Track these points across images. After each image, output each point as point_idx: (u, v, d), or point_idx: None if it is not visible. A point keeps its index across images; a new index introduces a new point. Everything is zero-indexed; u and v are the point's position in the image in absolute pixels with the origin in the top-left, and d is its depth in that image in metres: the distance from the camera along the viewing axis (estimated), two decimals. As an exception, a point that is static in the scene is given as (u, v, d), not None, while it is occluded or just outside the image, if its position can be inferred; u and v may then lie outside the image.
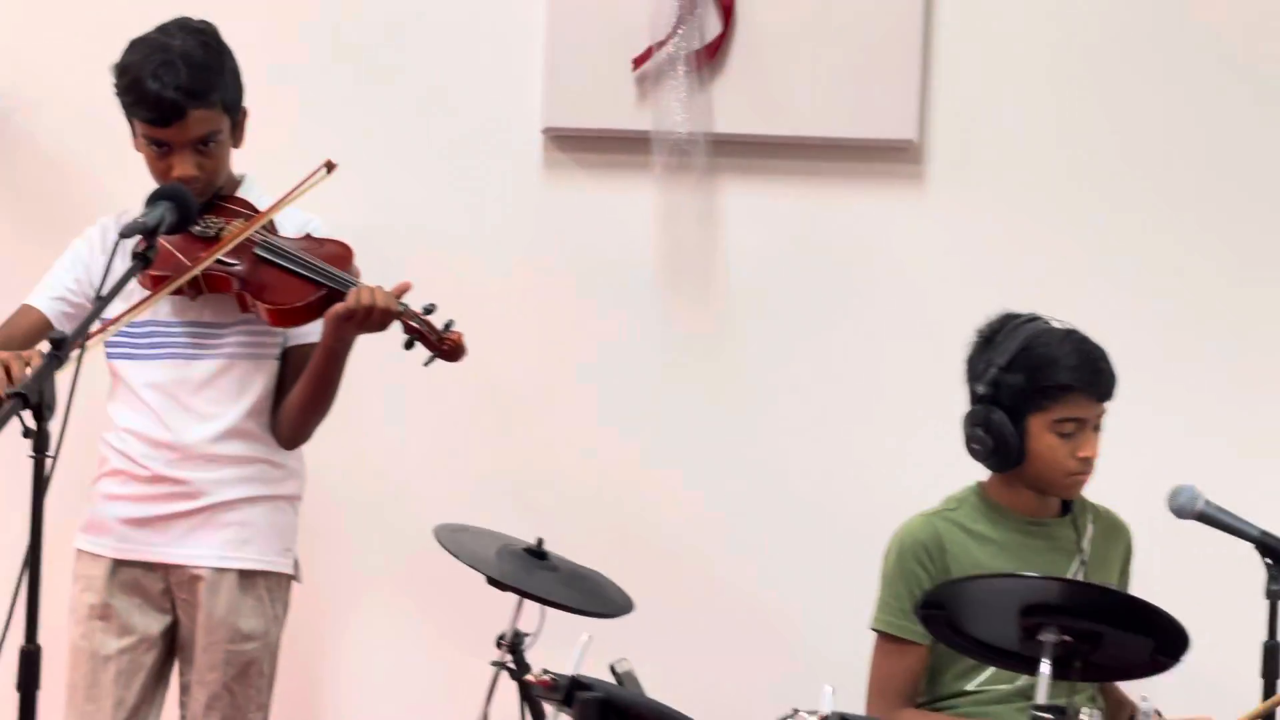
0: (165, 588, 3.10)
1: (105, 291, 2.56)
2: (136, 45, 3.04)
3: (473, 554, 2.92)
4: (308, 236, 3.13)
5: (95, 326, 3.02)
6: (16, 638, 2.31)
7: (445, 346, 3.02)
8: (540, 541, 3.01)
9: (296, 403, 3.10)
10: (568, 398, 3.86)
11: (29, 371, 2.70)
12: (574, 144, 3.83)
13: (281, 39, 3.82)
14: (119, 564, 3.09)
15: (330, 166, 3.08)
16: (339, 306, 2.97)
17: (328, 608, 3.78)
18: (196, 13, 3.13)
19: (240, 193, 3.15)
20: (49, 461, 2.32)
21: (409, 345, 3.02)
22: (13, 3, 3.83)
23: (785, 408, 3.81)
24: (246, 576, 3.09)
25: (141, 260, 2.69)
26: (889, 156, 3.78)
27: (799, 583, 3.74)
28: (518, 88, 3.82)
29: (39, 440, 2.26)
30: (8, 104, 3.84)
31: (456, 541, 2.95)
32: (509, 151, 3.84)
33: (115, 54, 3.06)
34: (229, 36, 3.14)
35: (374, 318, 2.96)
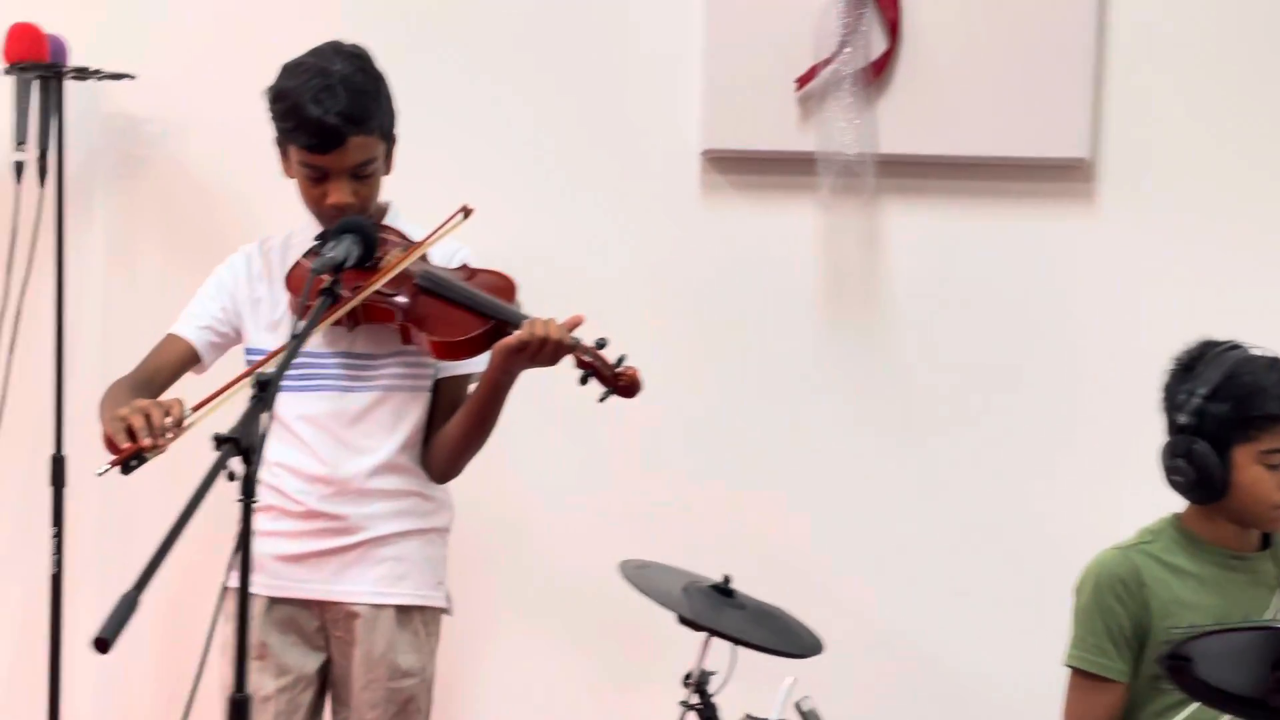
0: (320, 625, 3.03)
1: (301, 329, 2.49)
2: (293, 70, 2.95)
3: (660, 591, 2.85)
4: (464, 267, 3.05)
5: (254, 360, 3.00)
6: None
7: (621, 383, 2.91)
8: (727, 579, 2.93)
9: (454, 436, 3.02)
10: (726, 426, 3.77)
11: (169, 420, 2.63)
12: (733, 166, 3.76)
13: (437, 67, 3.75)
14: (274, 602, 3.01)
15: (467, 212, 2.99)
16: (511, 339, 2.87)
17: (475, 642, 3.70)
18: (347, 40, 3.04)
19: (387, 221, 3.07)
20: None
21: (584, 381, 2.92)
22: (164, 29, 3.78)
23: (954, 437, 3.73)
24: (403, 612, 3.01)
25: (329, 295, 2.64)
26: (1060, 175, 3.69)
27: (975, 618, 3.67)
28: (675, 110, 3.74)
29: (247, 486, 2.19)
30: (159, 129, 3.80)
31: (642, 578, 2.88)
32: (666, 175, 3.77)
33: (268, 78, 2.99)
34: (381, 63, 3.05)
35: (546, 352, 2.86)
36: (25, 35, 3.59)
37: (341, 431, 2.98)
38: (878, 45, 3.64)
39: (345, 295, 2.86)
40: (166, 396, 2.91)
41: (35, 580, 3.66)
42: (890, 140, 3.65)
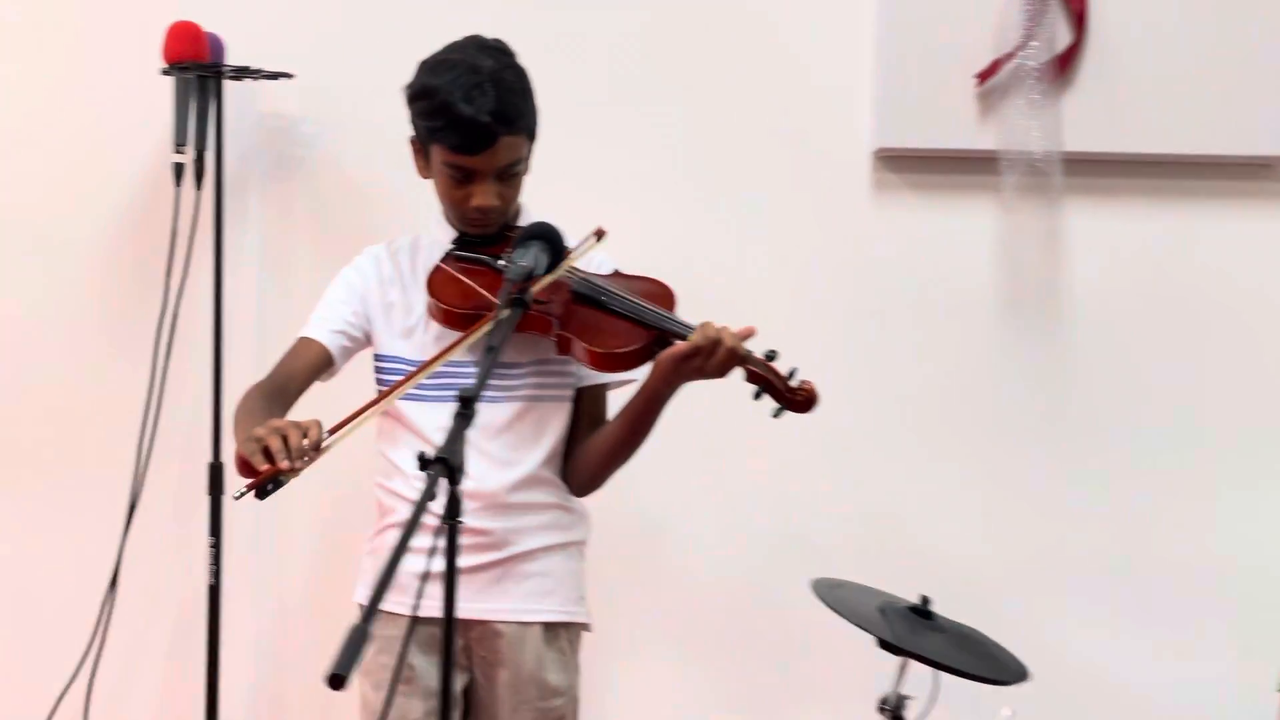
0: (465, 644, 2.88)
1: (496, 341, 2.39)
2: (438, 67, 2.81)
3: (857, 612, 2.72)
4: (616, 274, 2.92)
5: (384, 368, 2.89)
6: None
7: (798, 398, 2.76)
8: (925, 600, 2.80)
9: (603, 449, 2.88)
10: (899, 435, 3.64)
11: (306, 442, 2.50)
12: (907, 165, 3.61)
13: (608, 66, 3.64)
14: (416, 621, 2.86)
15: (600, 234, 2.83)
16: (683, 346, 2.72)
17: (614, 660, 3.57)
18: (509, 38, 2.89)
19: (520, 223, 2.90)
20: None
21: (757, 396, 2.77)
22: (321, 27, 3.70)
23: (1141, 447, 3.58)
24: (550, 629, 2.89)
25: (520, 305, 2.53)
26: (1253, 174, 3.54)
27: (1170, 641, 3.52)
28: (846, 107, 3.60)
29: (453, 506, 2.08)
30: (315, 129, 3.72)
31: (837, 598, 2.76)
32: (837, 176, 3.63)
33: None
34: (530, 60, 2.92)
35: (716, 361, 2.71)
36: (185, 34, 3.51)
37: (485, 444, 2.83)
38: (1063, 38, 3.49)
39: (491, 301, 2.72)
40: (300, 404, 2.83)
41: (192, 591, 3.60)
42: (1076, 138, 3.50)
